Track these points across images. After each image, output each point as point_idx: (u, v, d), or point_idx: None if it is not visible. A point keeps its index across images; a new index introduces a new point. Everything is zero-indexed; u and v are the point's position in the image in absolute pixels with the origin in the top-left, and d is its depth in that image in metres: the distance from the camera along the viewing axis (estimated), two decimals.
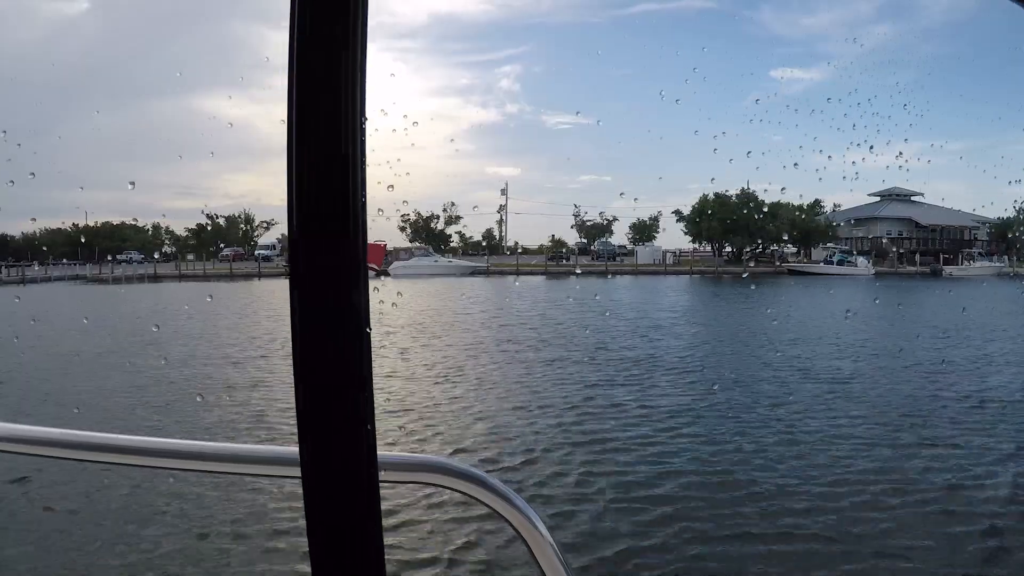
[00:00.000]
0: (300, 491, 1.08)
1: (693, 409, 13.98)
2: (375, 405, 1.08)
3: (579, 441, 11.66)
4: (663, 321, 29.96)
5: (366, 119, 1.05)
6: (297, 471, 1.14)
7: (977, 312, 32.78)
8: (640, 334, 25.40)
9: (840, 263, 77.28)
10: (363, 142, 1.04)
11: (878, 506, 8.94)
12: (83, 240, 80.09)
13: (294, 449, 1.16)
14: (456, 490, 1.24)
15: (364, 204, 1.06)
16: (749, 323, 29.36)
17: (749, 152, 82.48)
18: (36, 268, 77.15)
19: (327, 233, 1.04)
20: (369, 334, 1.07)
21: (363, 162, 1.05)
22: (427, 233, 79.46)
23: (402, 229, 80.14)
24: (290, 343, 1.03)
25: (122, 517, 8.33)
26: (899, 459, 10.83)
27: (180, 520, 8.30)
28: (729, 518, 8.62)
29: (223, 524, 8.19)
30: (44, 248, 79.28)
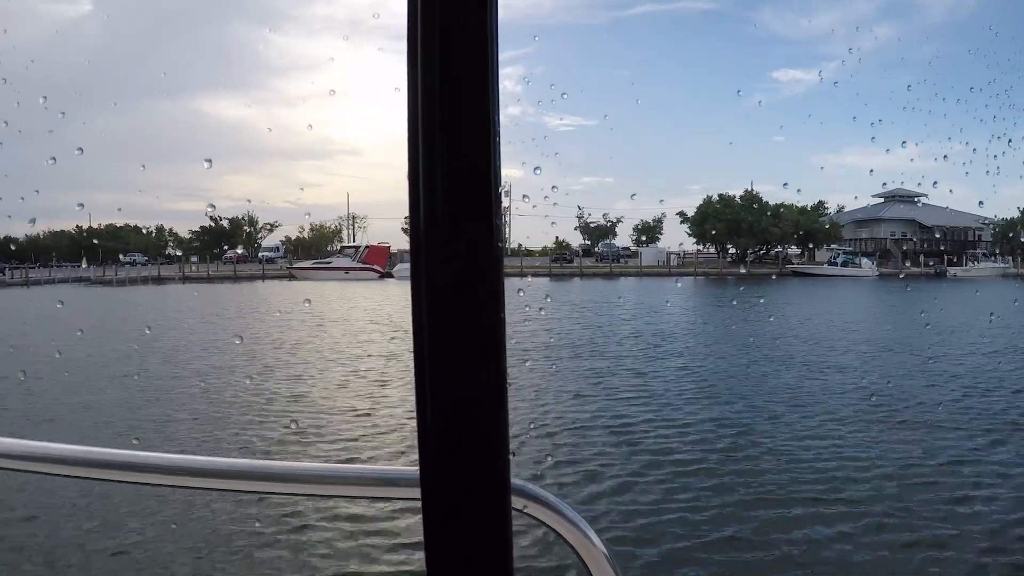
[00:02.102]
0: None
1: (742, 420, 13.75)
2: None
3: (635, 454, 11.42)
4: (684, 325, 29.90)
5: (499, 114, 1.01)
6: (409, 492, 1.10)
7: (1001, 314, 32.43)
8: (664, 337, 25.40)
9: (844, 264, 77.34)
10: (498, 142, 1.00)
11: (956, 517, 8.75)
12: (94, 242, 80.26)
13: (409, 469, 1.13)
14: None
15: (500, 209, 1.01)
16: (769, 329, 29.07)
17: (751, 153, 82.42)
18: (40, 270, 77.27)
19: (462, 239, 0.99)
20: (504, 346, 1.00)
21: (498, 165, 1.00)
22: None
23: (405, 231, 79.92)
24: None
25: (221, 542, 8.15)
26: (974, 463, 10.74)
27: (280, 543, 8.15)
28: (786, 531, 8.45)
29: (325, 547, 8.06)
30: (49, 251, 79.21)
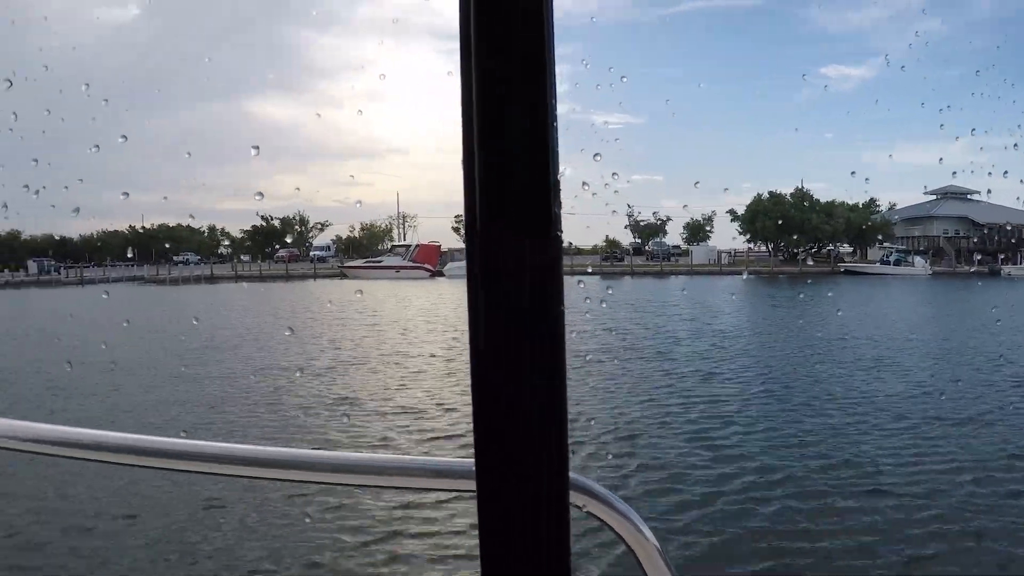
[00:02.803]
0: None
1: (806, 418, 13.72)
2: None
3: (700, 456, 11.38)
4: (743, 325, 29.64)
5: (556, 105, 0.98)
6: (466, 485, 1.10)
7: None
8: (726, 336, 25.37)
9: (897, 263, 76.35)
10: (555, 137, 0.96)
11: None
12: (144, 239, 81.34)
13: (464, 461, 1.13)
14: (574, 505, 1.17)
15: (558, 199, 0.98)
16: (828, 328, 28.71)
17: (801, 150, 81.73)
18: (94, 269, 78.40)
19: (520, 232, 0.96)
20: (563, 341, 0.97)
21: (555, 154, 0.97)
22: None
23: (456, 230, 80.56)
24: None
25: (279, 529, 8.46)
26: None
27: (334, 532, 8.39)
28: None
29: (382, 538, 8.28)
30: (103, 251, 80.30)
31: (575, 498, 1.15)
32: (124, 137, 38.54)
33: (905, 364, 19.59)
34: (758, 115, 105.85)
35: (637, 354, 21.57)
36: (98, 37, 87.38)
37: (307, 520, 8.54)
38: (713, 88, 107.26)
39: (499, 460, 0.98)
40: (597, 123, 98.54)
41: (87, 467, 8.51)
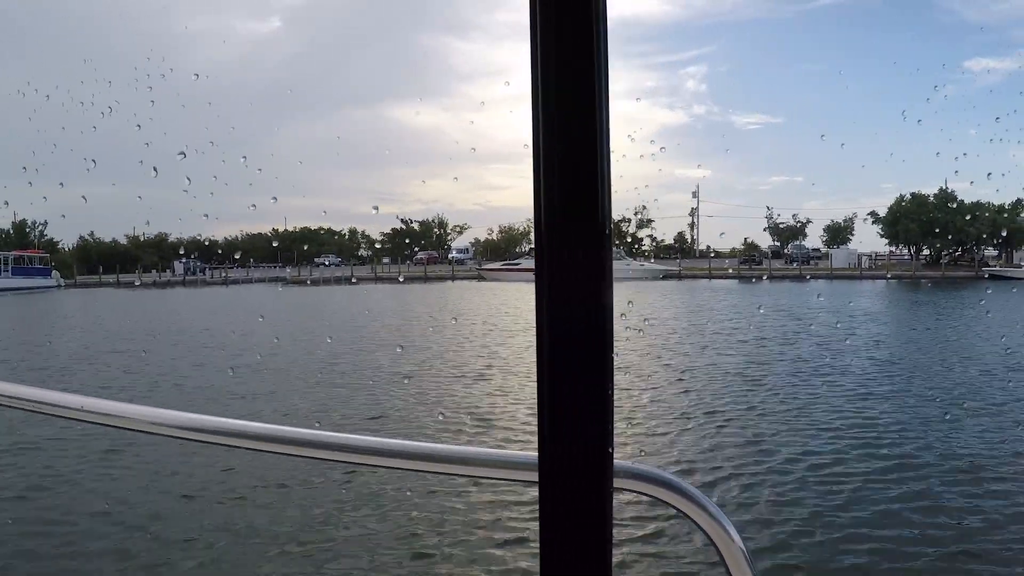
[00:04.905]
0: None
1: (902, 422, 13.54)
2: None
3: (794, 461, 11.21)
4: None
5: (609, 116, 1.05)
6: (528, 475, 1.18)
7: None
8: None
9: None
10: (607, 142, 1.04)
11: None
12: (287, 241, 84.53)
13: (528, 454, 1.20)
14: (653, 496, 1.25)
15: (610, 202, 1.05)
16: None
17: (945, 148, 78.84)
18: (238, 270, 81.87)
19: (577, 233, 1.04)
20: (611, 345, 1.06)
21: (607, 168, 1.04)
22: (619, 236, 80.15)
23: None
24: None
25: (354, 513, 9.03)
26: None
27: (405, 518, 8.92)
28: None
29: (447, 525, 8.72)
30: (247, 253, 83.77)
31: (664, 495, 1.23)
32: (244, 158, 40.52)
33: None
34: (898, 111, 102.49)
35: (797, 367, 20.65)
36: (241, 52, 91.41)
37: (411, 503, 9.19)
38: (852, 85, 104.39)
39: (552, 452, 1.08)
40: (737, 123, 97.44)
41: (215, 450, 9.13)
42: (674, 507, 1.23)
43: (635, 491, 1.23)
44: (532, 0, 1.02)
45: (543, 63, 1.02)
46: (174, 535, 8.46)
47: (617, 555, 7.68)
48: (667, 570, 7.45)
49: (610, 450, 1.08)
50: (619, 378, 17.05)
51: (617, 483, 1.16)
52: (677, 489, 1.23)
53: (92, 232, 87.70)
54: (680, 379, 18.06)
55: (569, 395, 1.06)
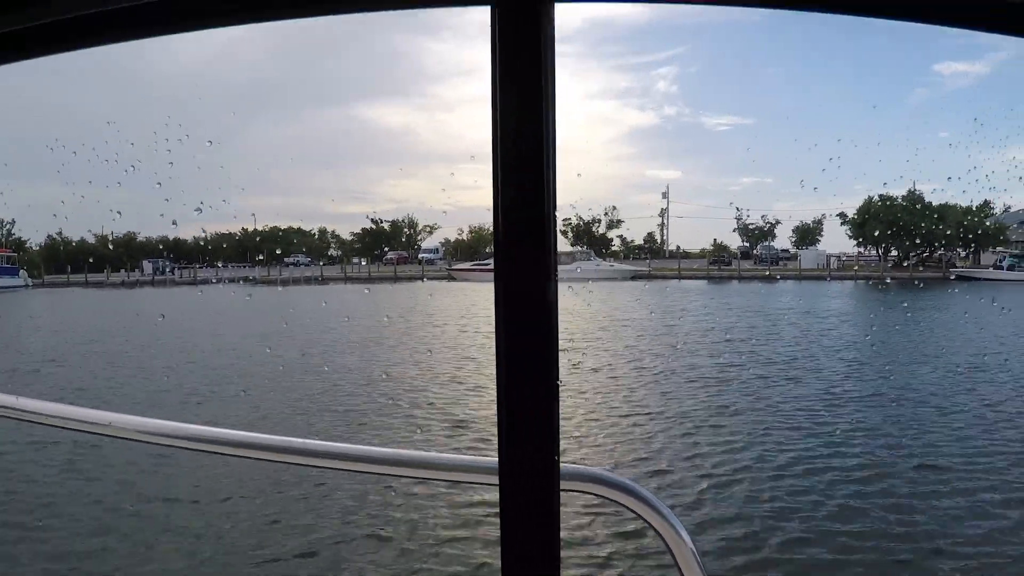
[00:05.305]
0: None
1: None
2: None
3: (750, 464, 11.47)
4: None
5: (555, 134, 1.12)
6: (490, 478, 1.24)
7: None
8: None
9: (1011, 268, 74.51)
10: (553, 154, 1.11)
11: None
12: (256, 241, 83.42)
13: (490, 459, 1.25)
14: (607, 498, 1.28)
15: (554, 225, 1.11)
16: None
17: (914, 151, 79.93)
18: (207, 270, 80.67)
19: (526, 244, 1.10)
20: (556, 352, 1.11)
21: (552, 182, 1.10)
22: (588, 237, 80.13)
23: (563, 233, 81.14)
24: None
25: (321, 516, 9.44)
26: None
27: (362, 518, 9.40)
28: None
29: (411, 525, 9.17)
30: (216, 253, 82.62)
31: (618, 497, 1.27)
32: (209, 142, 40.00)
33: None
34: (868, 114, 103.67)
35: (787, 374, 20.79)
36: (214, 51, 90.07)
37: (381, 505, 9.61)
38: (822, 87, 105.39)
39: (505, 455, 1.13)
40: (707, 124, 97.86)
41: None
42: (627, 508, 1.28)
43: (588, 492, 1.27)
44: (492, 21, 1.12)
45: (501, 75, 1.13)
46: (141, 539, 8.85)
47: (576, 555, 7.72)
48: (625, 571, 7.69)
49: (556, 457, 1.13)
50: (590, 379, 17.09)
51: (571, 485, 1.22)
52: (630, 492, 1.28)
53: (60, 231, 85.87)
54: (655, 381, 18.17)
55: (518, 399, 1.11)
